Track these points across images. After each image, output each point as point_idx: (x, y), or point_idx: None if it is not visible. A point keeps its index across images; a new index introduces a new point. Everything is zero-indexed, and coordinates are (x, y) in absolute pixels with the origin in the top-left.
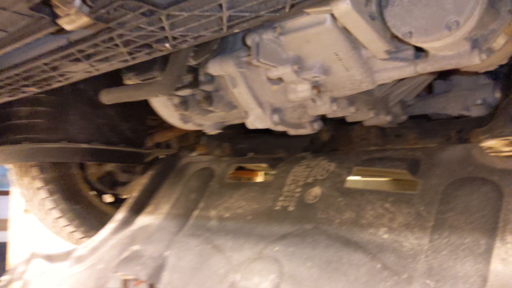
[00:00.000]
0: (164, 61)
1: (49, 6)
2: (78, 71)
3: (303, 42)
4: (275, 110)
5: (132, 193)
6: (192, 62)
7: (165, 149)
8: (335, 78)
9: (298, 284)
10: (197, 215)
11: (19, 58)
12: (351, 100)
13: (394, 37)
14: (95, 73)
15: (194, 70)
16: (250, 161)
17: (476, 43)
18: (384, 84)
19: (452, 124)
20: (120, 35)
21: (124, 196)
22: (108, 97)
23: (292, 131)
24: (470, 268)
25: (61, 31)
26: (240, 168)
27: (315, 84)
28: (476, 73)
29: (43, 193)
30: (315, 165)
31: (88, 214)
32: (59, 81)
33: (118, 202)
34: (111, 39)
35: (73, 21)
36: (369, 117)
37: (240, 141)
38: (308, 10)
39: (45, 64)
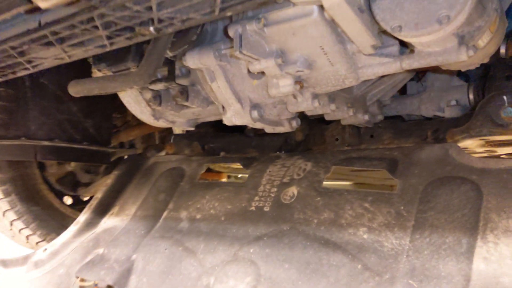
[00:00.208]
0: (139, 51)
1: None
2: (48, 57)
3: (288, 34)
4: (255, 106)
5: (96, 194)
6: (169, 54)
7: (129, 149)
8: (319, 73)
9: (276, 287)
10: (166, 216)
11: None
12: (332, 97)
13: (381, 32)
14: (67, 60)
15: (169, 63)
16: (222, 160)
17: (463, 39)
18: (364, 82)
19: (426, 124)
20: (101, 15)
21: (86, 198)
22: (77, 88)
23: (269, 129)
24: (453, 268)
25: (34, 9)
26: (209, 170)
27: (298, 79)
28: (449, 75)
29: None
30: (291, 164)
31: (47, 217)
32: (26, 69)
33: (79, 204)
34: (91, 19)
35: None
36: (348, 115)
37: (211, 140)
38: (295, 1)
39: (12, 48)
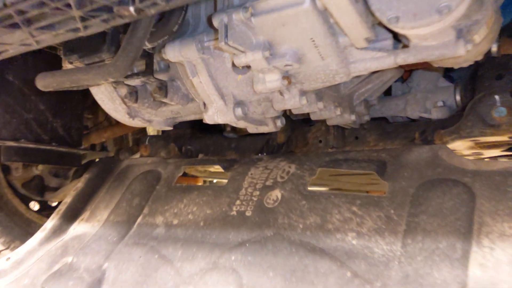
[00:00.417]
0: (114, 41)
1: None
2: (13, 43)
3: (278, 25)
4: (239, 103)
5: (65, 199)
6: (147, 45)
7: (101, 152)
8: (309, 68)
9: None
10: (141, 222)
11: None
12: (319, 95)
13: (374, 24)
14: (35, 47)
15: (148, 56)
16: (201, 162)
17: (461, 33)
18: (352, 79)
19: (413, 126)
20: None
21: (54, 203)
22: (46, 82)
23: (252, 128)
24: (448, 275)
25: None
26: (185, 175)
27: (286, 75)
28: (435, 75)
29: None
30: (274, 166)
31: (11, 223)
32: None
33: (47, 210)
34: None
35: None
36: (335, 114)
37: (189, 141)
38: None
39: None
